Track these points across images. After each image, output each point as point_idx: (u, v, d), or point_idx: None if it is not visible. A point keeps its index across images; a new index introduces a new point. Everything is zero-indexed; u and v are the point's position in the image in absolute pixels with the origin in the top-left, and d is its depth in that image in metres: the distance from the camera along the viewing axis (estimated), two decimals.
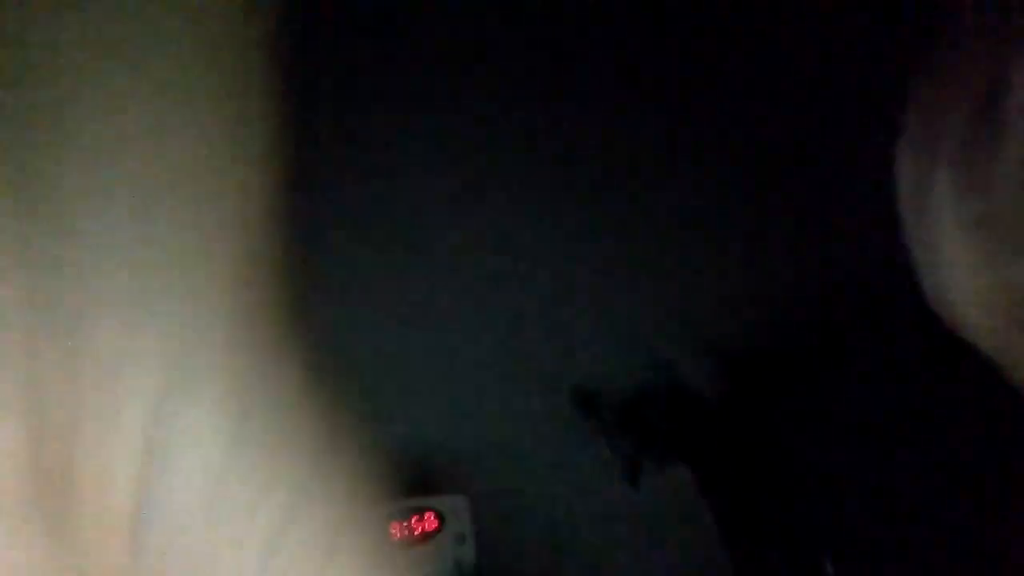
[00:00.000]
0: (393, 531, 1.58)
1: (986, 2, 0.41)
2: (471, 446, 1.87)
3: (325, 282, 1.86)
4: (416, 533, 1.59)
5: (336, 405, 1.77)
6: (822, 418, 1.81)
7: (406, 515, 1.60)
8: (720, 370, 1.94)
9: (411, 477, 1.78)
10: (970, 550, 1.60)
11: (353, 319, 1.86)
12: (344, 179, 1.95)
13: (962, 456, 1.60)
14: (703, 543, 1.94)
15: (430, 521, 1.60)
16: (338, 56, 1.95)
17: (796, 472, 1.84)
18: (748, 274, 2.16)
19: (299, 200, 1.86)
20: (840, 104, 2.10)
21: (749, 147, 2.23)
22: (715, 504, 1.91)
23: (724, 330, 1.98)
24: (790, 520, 1.85)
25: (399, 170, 2.01)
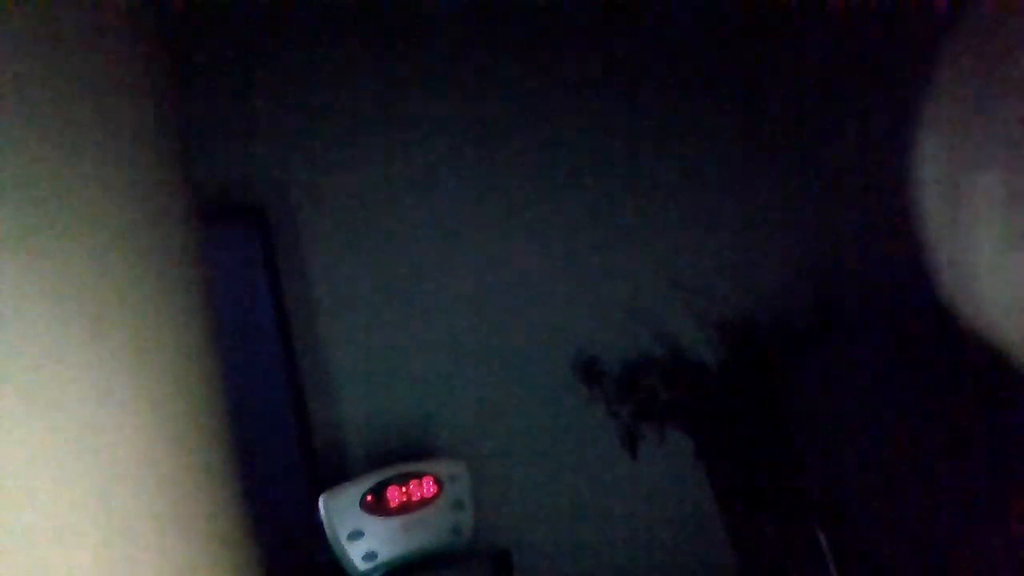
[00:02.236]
0: (392, 496, 1.59)
1: None
2: (472, 414, 1.87)
3: (332, 261, 1.86)
4: (415, 499, 1.60)
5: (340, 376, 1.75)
6: (818, 389, 1.82)
7: (405, 480, 1.61)
8: (719, 340, 1.95)
9: (411, 443, 1.79)
10: (962, 519, 1.61)
11: (358, 292, 1.86)
12: (350, 164, 1.95)
13: (954, 427, 1.61)
14: (700, 510, 1.96)
15: (429, 487, 1.61)
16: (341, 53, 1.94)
17: (791, 441, 1.85)
18: (748, 247, 2.17)
19: (307, 190, 1.83)
20: (844, 86, 2.09)
21: (751, 125, 2.23)
22: (712, 472, 1.92)
23: (723, 301, 1.99)
24: (785, 488, 1.86)
25: (404, 157, 2.01)
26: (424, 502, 1.61)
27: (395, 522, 1.57)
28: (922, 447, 1.66)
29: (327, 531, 1.53)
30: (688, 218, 2.17)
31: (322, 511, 1.54)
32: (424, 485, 1.61)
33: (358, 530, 1.54)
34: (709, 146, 2.23)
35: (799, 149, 2.15)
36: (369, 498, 1.56)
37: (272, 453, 1.66)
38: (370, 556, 1.54)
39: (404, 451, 1.75)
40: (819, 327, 1.86)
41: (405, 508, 1.59)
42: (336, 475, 1.65)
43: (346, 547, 1.53)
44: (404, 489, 1.60)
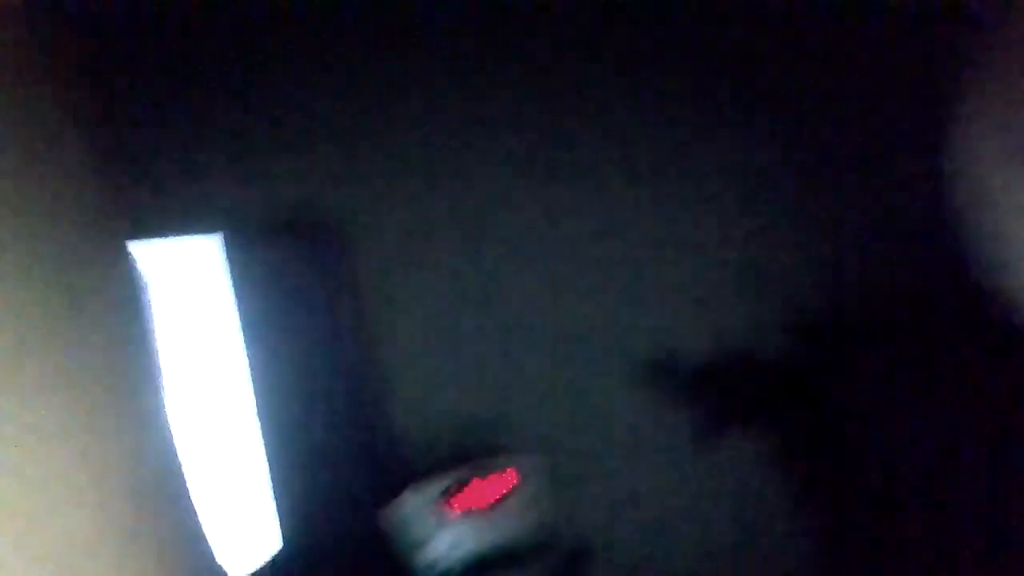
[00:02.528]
0: (473, 490, 1.60)
1: None
2: (539, 409, 1.89)
3: (398, 260, 1.92)
4: (496, 493, 1.61)
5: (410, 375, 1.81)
6: (895, 393, 1.74)
7: (486, 474, 1.63)
8: (796, 342, 1.89)
9: (478, 440, 1.82)
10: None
11: (429, 294, 1.90)
12: (411, 162, 1.99)
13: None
14: (771, 513, 1.92)
15: (509, 480, 1.61)
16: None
17: (868, 448, 1.78)
18: (825, 248, 2.07)
19: (366, 186, 1.90)
20: (895, 97, 1.97)
21: (827, 128, 2.12)
22: (786, 476, 1.87)
23: (802, 303, 1.92)
24: (860, 496, 1.79)
25: (466, 146, 2.03)
26: (505, 496, 1.62)
27: (469, 521, 1.56)
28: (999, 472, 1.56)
29: (399, 535, 1.54)
30: (765, 218, 2.10)
31: (394, 514, 1.54)
32: (505, 479, 1.62)
33: (430, 533, 1.55)
34: (789, 144, 2.13)
35: (849, 149, 2.04)
36: (443, 498, 1.55)
37: (336, 459, 1.72)
38: (444, 557, 1.55)
39: (471, 449, 1.79)
40: (899, 331, 1.77)
41: (480, 507, 1.60)
42: (402, 476, 1.70)
43: (419, 550, 1.54)
44: (477, 488, 1.61)
